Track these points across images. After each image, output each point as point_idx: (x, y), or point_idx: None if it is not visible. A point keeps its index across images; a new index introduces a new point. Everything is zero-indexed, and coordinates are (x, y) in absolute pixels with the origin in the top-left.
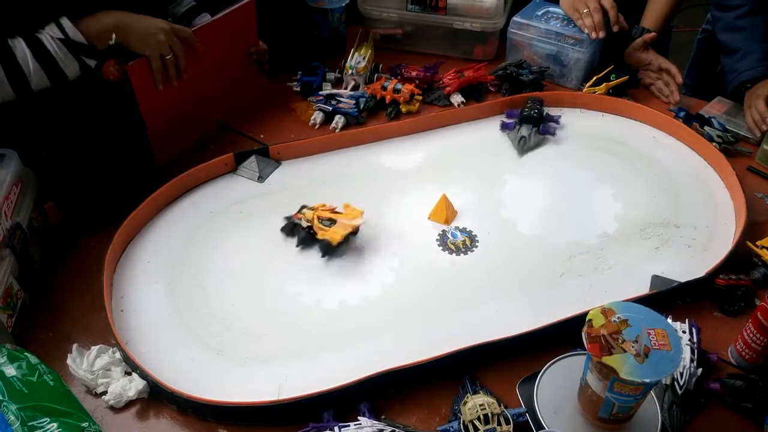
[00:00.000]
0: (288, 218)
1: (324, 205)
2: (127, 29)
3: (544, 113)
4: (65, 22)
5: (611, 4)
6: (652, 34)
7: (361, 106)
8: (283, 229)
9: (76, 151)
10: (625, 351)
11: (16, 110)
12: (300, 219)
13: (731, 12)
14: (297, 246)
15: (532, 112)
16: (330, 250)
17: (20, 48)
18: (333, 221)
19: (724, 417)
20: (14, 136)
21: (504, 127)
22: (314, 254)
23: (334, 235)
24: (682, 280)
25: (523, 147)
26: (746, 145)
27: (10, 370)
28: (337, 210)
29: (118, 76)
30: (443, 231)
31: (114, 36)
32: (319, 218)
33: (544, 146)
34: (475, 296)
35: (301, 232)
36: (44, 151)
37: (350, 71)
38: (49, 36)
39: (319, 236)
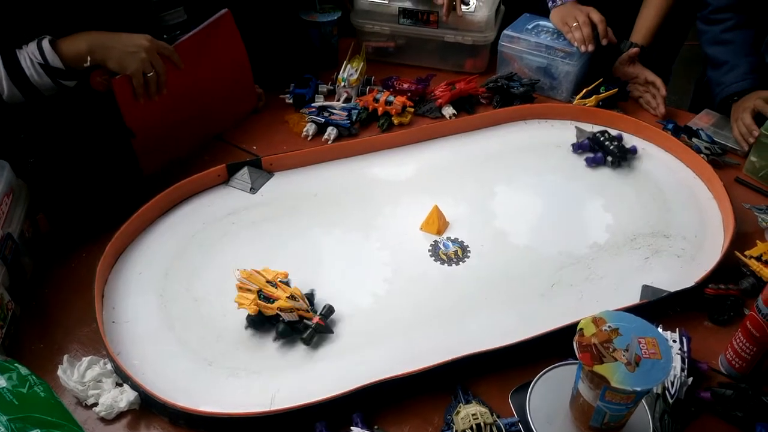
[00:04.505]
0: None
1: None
2: (105, 50)
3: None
4: (45, 45)
5: (600, 18)
6: (636, 48)
7: (354, 117)
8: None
9: (62, 158)
10: (616, 360)
11: (5, 119)
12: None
13: (717, 26)
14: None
15: (613, 148)
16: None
17: None
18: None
19: (715, 426)
20: (4, 145)
21: (591, 161)
22: (306, 265)
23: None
24: (672, 289)
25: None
26: (734, 157)
27: (0, 382)
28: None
29: (105, 86)
30: (435, 242)
31: (89, 58)
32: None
33: (535, 158)
34: (467, 306)
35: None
36: (32, 158)
37: (342, 83)
38: (27, 57)
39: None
